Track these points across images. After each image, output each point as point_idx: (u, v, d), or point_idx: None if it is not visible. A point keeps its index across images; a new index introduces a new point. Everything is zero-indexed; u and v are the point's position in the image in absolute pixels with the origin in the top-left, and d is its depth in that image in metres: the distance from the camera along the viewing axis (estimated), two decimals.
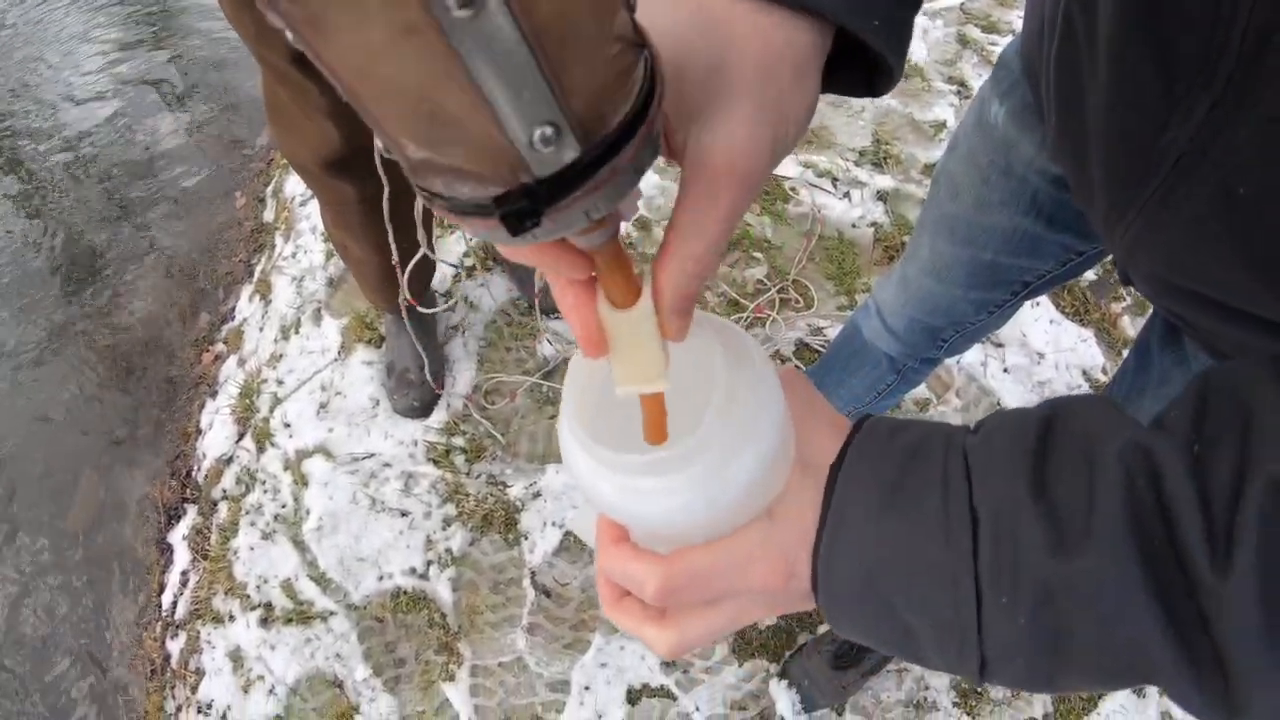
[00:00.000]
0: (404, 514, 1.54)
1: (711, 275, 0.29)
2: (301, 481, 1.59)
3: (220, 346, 1.91)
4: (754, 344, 0.34)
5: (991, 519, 0.31)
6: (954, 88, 2.23)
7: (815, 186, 1.96)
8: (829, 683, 1.36)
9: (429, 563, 1.50)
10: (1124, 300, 1.84)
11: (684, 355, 0.33)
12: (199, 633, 1.49)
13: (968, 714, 1.40)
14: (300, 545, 1.53)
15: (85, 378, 1.85)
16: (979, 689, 1.42)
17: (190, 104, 2.44)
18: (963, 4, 2.45)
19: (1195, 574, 0.28)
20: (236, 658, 1.45)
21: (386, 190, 1.09)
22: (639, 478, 0.31)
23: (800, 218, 1.93)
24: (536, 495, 1.55)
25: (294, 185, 2.10)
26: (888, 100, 2.18)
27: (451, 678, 1.40)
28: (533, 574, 1.49)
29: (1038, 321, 1.79)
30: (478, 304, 1.77)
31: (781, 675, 1.40)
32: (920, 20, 2.37)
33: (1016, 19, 2.41)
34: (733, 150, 0.27)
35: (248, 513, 1.58)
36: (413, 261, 1.19)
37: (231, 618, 1.48)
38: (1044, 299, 1.82)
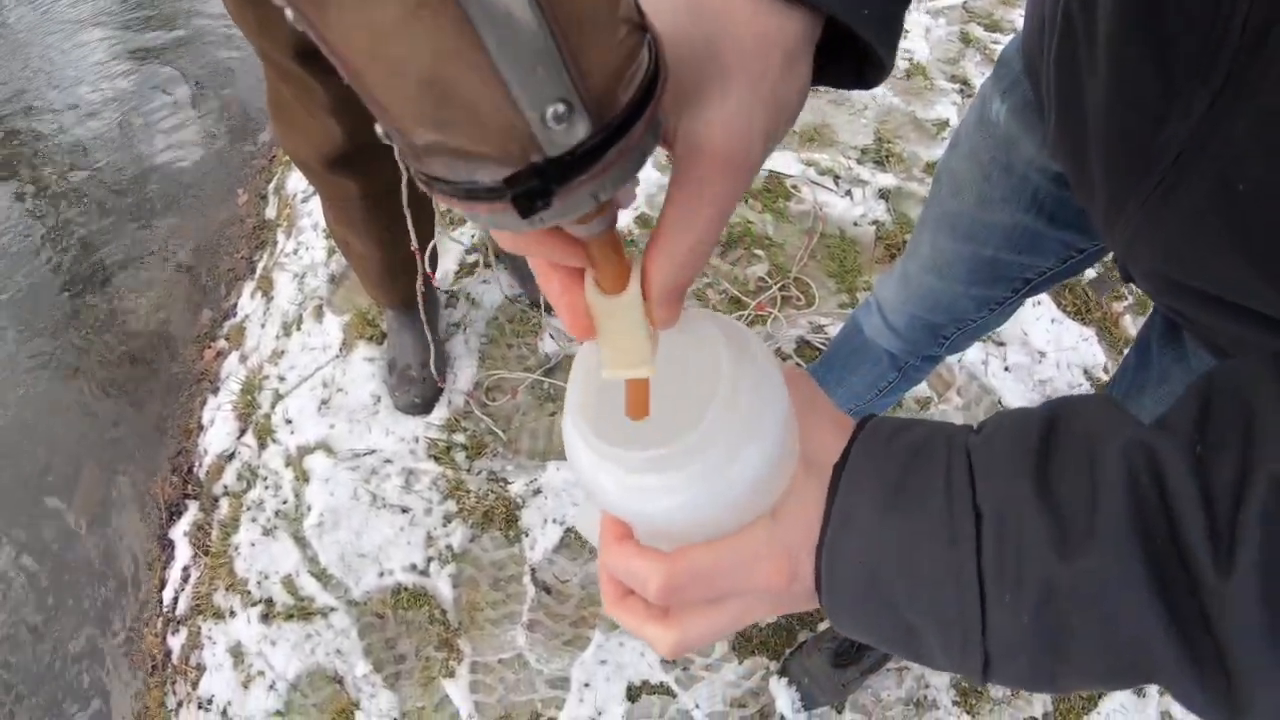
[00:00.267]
0: (405, 510, 1.54)
1: (702, 265, 0.28)
2: (302, 478, 1.59)
3: (222, 343, 1.91)
4: (758, 341, 0.33)
5: (995, 518, 0.31)
6: (956, 86, 2.22)
7: (817, 184, 1.96)
8: (829, 680, 1.36)
9: (429, 559, 1.50)
10: (1125, 299, 1.83)
11: (687, 352, 0.33)
12: (200, 628, 1.49)
13: (967, 712, 1.40)
14: (301, 541, 1.53)
15: (87, 373, 1.85)
16: (979, 688, 1.42)
17: (192, 101, 2.44)
18: (965, 2, 2.45)
19: (1198, 573, 0.28)
20: (237, 653, 1.45)
21: (405, 178, 1.08)
22: (642, 474, 0.31)
23: (802, 215, 1.93)
24: (537, 492, 1.55)
25: (296, 182, 2.10)
26: (890, 98, 2.18)
27: (451, 674, 1.40)
28: (533, 571, 1.49)
29: (1039, 320, 1.79)
30: (479, 300, 1.77)
31: (781, 673, 1.40)
32: (923, 19, 2.37)
33: (1019, 17, 2.40)
34: (725, 136, 0.27)
35: (249, 509, 1.58)
36: (430, 246, 1.18)
37: (232, 613, 1.48)
38: (1045, 298, 1.82)
